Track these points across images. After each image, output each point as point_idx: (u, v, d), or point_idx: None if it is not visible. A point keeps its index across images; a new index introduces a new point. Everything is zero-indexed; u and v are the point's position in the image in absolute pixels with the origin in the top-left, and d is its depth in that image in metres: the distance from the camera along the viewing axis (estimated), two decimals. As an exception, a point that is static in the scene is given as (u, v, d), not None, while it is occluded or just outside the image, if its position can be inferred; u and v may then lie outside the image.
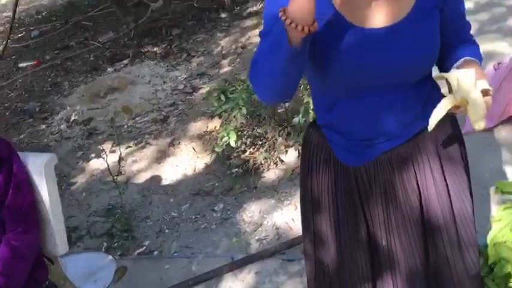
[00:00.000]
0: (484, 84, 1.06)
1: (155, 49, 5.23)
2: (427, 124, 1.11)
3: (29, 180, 1.65)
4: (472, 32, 1.30)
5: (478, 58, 1.22)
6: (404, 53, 1.13)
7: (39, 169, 1.72)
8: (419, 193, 1.25)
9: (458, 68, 1.16)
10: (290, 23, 0.99)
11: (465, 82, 1.04)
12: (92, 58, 5.39)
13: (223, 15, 5.70)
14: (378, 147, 1.24)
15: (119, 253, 2.65)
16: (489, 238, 2.06)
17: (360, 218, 1.28)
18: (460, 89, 1.05)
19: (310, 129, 1.37)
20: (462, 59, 1.19)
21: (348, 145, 1.26)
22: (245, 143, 3.19)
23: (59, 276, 1.87)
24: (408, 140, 1.24)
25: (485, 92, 1.06)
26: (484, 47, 3.06)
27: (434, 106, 1.10)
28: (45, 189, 1.72)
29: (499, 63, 2.85)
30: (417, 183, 1.25)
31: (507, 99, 2.74)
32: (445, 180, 1.25)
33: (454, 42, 1.23)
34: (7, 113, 4.65)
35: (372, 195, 1.26)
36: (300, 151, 1.46)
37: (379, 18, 1.13)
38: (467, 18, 1.27)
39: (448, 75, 1.09)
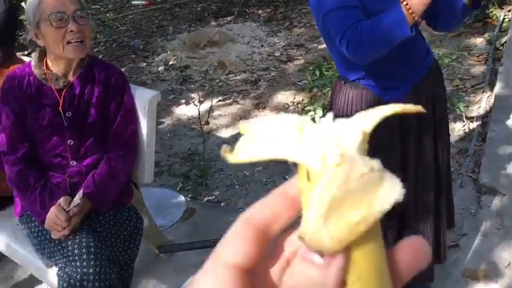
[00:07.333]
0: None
1: (260, 12, 5.32)
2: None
3: (136, 111, 1.82)
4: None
5: None
6: None
7: (144, 103, 1.88)
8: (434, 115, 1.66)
9: None
10: (412, 13, 1.27)
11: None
12: (199, 9, 5.58)
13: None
14: (411, 79, 1.58)
15: (190, 196, 2.83)
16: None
17: (396, 143, 1.61)
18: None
19: (341, 86, 1.62)
20: None
21: (388, 84, 1.57)
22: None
23: (139, 201, 2.06)
24: (425, 75, 1.61)
25: None
26: None
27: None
28: (145, 122, 1.89)
29: None
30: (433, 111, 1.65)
31: None
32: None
33: None
34: (113, 45, 4.97)
35: (409, 124, 1.60)
36: (335, 109, 1.62)
37: None
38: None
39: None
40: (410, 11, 1.28)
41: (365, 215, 0.26)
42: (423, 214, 1.70)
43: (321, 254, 0.27)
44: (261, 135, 0.29)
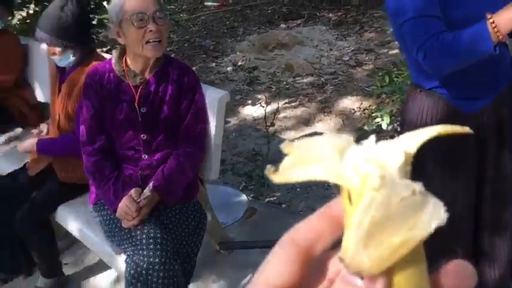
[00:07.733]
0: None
1: (330, 15, 5.30)
2: None
3: (206, 110, 1.88)
4: None
5: None
6: None
7: (213, 102, 1.94)
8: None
9: None
10: (497, 32, 1.24)
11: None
12: (269, 11, 5.64)
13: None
14: (492, 90, 1.51)
15: (252, 195, 2.87)
16: None
17: (473, 157, 1.54)
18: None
19: (416, 94, 1.55)
20: None
21: (467, 94, 1.50)
22: (396, 130, 3.17)
23: (203, 197, 2.12)
24: (508, 85, 1.54)
25: None
26: None
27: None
28: (213, 121, 1.94)
29: None
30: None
31: None
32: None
33: None
34: (185, 45, 5.14)
35: (487, 135, 1.53)
36: (407, 117, 1.56)
37: None
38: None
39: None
40: (495, 29, 1.24)
41: (405, 238, 0.26)
42: (500, 230, 1.63)
43: (361, 276, 0.27)
44: (304, 156, 0.29)
